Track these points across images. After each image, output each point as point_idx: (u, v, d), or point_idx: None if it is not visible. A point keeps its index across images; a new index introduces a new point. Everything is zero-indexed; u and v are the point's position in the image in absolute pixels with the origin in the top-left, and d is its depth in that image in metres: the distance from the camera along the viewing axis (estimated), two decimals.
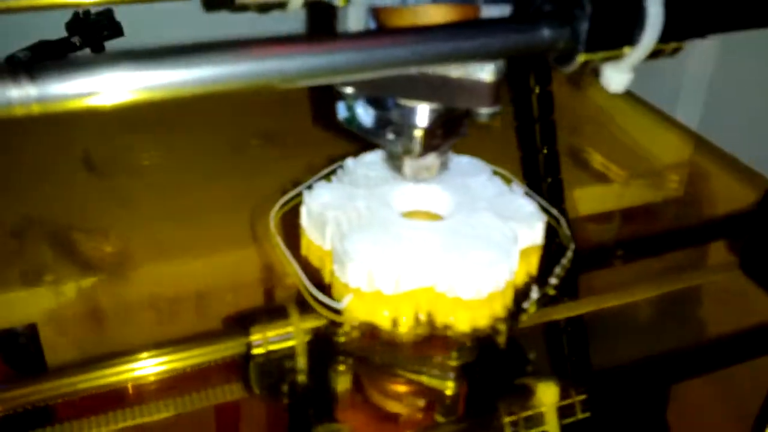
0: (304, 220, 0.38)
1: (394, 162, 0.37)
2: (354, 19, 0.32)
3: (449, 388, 0.35)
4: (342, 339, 0.36)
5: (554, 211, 0.39)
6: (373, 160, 0.40)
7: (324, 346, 0.37)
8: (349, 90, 0.34)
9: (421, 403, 0.36)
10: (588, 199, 0.63)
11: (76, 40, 0.55)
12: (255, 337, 0.36)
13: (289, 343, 0.37)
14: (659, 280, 0.55)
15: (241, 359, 0.36)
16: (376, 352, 0.37)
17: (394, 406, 0.36)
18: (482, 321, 0.35)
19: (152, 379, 0.36)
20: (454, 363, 0.36)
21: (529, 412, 0.35)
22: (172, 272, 0.43)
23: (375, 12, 0.32)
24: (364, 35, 0.29)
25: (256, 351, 0.36)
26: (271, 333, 0.37)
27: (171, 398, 0.36)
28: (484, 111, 0.33)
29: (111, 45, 0.55)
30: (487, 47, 0.28)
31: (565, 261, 0.38)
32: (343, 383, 0.37)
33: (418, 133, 0.34)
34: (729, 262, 0.57)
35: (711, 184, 0.64)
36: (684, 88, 0.69)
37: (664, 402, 0.61)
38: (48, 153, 0.52)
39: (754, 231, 0.58)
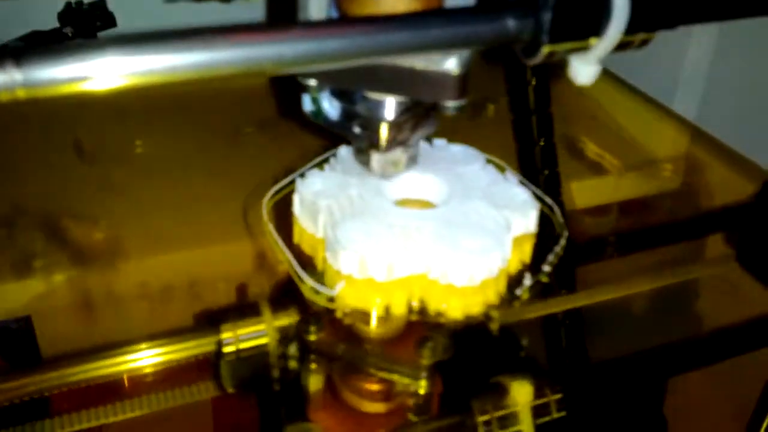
0: (297, 208, 0.37)
1: (362, 157, 0.36)
2: (315, 8, 0.32)
3: (422, 387, 0.35)
4: (314, 338, 0.36)
5: (548, 200, 0.38)
6: None
7: (296, 344, 0.37)
8: (312, 82, 0.33)
9: (393, 402, 0.36)
10: (585, 192, 0.63)
11: (68, 30, 0.54)
12: (226, 335, 0.35)
13: (261, 341, 0.36)
14: (656, 273, 0.55)
15: (213, 357, 0.36)
16: (349, 351, 0.36)
17: (366, 406, 0.35)
18: (475, 308, 0.34)
19: (127, 375, 0.36)
20: (426, 362, 0.35)
21: (503, 412, 0.34)
22: (164, 261, 0.42)
23: (337, 0, 0.32)
24: (322, 24, 0.28)
25: (227, 349, 0.35)
26: (243, 331, 0.36)
27: (142, 396, 0.36)
28: (450, 104, 0.32)
29: (104, 36, 0.55)
30: (450, 37, 0.27)
31: (558, 249, 0.37)
32: (315, 382, 0.36)
33: (384, 127, 0.33)
34: (726, 254, 0.57)
35: (708, 176, 0.64)
36: (682, 78, 0.69)
37: (661, 396, 0.61)
38: (38, 140, 0.52)
39: (751, 224, 0.58)
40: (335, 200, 0.36)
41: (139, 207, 0.46)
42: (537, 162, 0.63)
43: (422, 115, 0.35)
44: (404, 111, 0.33)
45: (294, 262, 0.36)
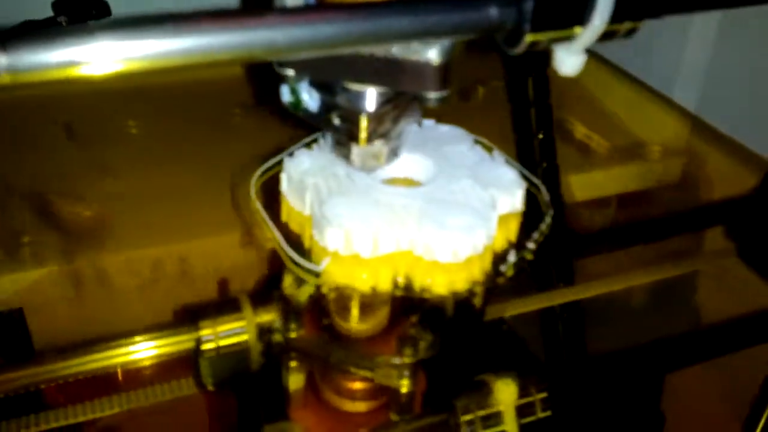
0: (284, 186, 0.38)
1: (342, 149, 0.35)
2: None
3: (403, 386, 0.35)
4: (294, 335, 0.35)
5: (535, 180, 0.38)
6: None
7: (277, 341, 0.36)
8: (290, 72, 0.32)
9: (375, 401, 0.35)
10: (584, 185, 0.62)
11: (62, 19, 0.55)
12: (205, 331, 0.35)
13: (241, 338, 0.36)
14: (656, 266, 0.55)
15: (192, 354, 0.35)
16: (330, 349, 0.36)
17: (348, 405, 0.35)
18: (460, 284, 0.34)
19: (108, 371, 0.35)
20: (408, 360, 0.35)
21: (487, 411, 0.34)
22: (154, 244, 0.43)
23: None
24: (297, 11, 0.27)
25: (206, 346, 0.35)
26: (222, 327, 0.36)
27: (122, 393, 0.36)
28: (432, 95, 0.31)
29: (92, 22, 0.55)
30: (430, 26, 0.26)
31: (543, 227, 0.37)
32: (295, 380, 0.36)
33: (364, 119, 0.32)
34: (727, 248, 0.56)
35: (709, 167, 0.64)
36: (682, 68, 0.68)
37: (658, 391, 0.60)
38: (28, 120, 0.53)
39: (752, 217, 0.57)
40: (322, 178, 0.37)
41: (128, 187, 0.46)
42: (536, 154, 0.63)
43: (404, 106, 0.34)
44: (385, 102, 0.32)
45: (281, 239, 0.36)
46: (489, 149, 0.40)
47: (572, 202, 0.63)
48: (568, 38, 0.28)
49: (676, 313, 0.63)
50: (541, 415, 0.35)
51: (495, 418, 0.34)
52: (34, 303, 0.40)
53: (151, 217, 0.43)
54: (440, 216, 0.34)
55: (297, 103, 0.33)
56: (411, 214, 0.35)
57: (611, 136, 0.64)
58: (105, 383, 0.38)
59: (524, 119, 0.63)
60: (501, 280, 0.35)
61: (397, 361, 0.34)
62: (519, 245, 0.37)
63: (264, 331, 0.36)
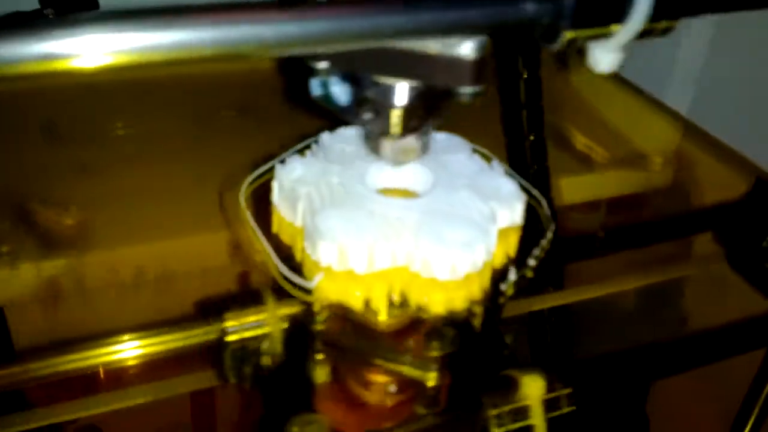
0: (276, 195, 0.36)
1: (372, 143, 0.35)
2: None
3: (431, 379, 0.34)
4: (319, 327, 0.35)
5: (535, 192, 0.37)
6: (350, 134, 0.39)
7: (301, 333, 0.36)
8: (322, 65, 0.32)
9: (401, 394, 0.35)
10: (573, 188, 0.62)
11: (49, 12, 0.53)
12: (229, 323, 0.34)
13: (265, 330, 0.36)
14: (644, 271, 0.54)
15: (215, 346, 0.35)
16: (356, 342, 0.35)
17: (373, 397, 0.35)
18: (458, 303, 0.33)
19: (127, 363, 0.35)
20: (435, 353, 0.34)
21: (514, 405, 0.34)
22: (135, 250, 0.41)
23: None
24: (335, 4, 0.27)
25: (230, 338, 0.34)
26: (246, 319, 0.35)
27: (144, 384, 0.35)
28: (466, 90, 0.31)
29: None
30: (466, 21, 0.27)
31: (544, 242, 0.36)
32: (320, 373, 0.36)
33: (396, 113, 0.32)
34: (715, 253, 0.56)
35: (700, 172, 0.63)
36: (675, 71, 0.68)
37: (644, 394, 0.60)
38: (8, 120, 0.50)
39: (741, 223, 0.57)
40: (315, 188, 0.35)
41: (111, 191, 0.44)
42: (527, 157, 0.62)
43: (435, 100, 0.33)
44: (417, 97, 0.32)
45: (272, 253, 0.34)
46: (488, 159, 0.39)
47: (561, 205, 0.62)
48: (605, 36, 0.28)
49: (663, 319, 0.63)
50: (565, 410, 0.35)
51: (522, 413, 0.34)
52: (13, 306, 0.38)
53: (135, 222, 0.41)
54: (438, 229, 0.33)
55: (327, 96, 0.33)
56: (408, 227, 0.33)
57: (608, 143, 0.63)
58: (91, 382, 0.37)
59: (515, 121, 0.62)
60: (501, 300, 0.34)
61: (424, 354, 0.34)
62: (518, 261, 0.36)
63: (289, 324, 0.35)
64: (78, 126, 0.50)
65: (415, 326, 0.35)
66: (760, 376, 0.49)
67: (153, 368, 0.36)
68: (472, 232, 0.33)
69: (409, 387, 0.35)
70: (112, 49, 0.23)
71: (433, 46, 0.30)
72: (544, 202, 0.38)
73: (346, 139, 0.38)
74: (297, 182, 0.35)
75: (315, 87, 0.33)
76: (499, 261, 0.35)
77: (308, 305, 0.35)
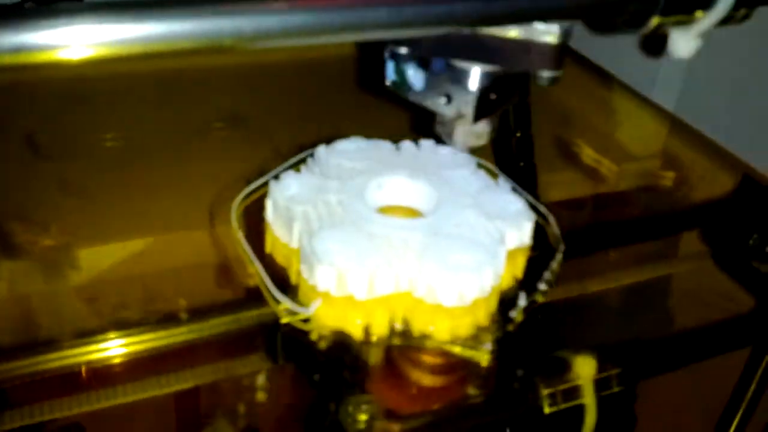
0: (270, 214, 0.34)
1: (444, 128, 0.35)
2: None
3: (485, 359, 0.33)
4: None
5: (542, 208, 0.36)
6: (347, 148, 0.37)
7: None
8: (403, 50, 0.32)
9: (453, 375, 0.34)
10: (559, 185, 0.60)
11: (30, 5, 0.51)
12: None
13: None
14: (629, 269, 0.53)
15: (262, 329, 0.34)
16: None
17: (426, 379, 0.33)
18: (464, 330, 0.32)
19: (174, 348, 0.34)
20: (489, 334, 0.33)
21: (567, 385, 0.33)
22: (119, 271, 0.38)
23: None
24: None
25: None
26: None
27: (191, 369, 0.33)
28: (546, 74, 0.31)
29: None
30: (555, 7, 0.28)
31: (554, 265, 0.35)
32: (375, 354, 0.34)
33: (471, 98, 0.32)
34: (701, 251, 0.55)
35: (687, 168, 0.62)
36: (662, 67, 0.67)
37: (631, 393, 0.60)
38: None
39: (727, 221, 0.56)
40: (312, 206, 0.33)
41: (96, 208, 0.41)
42: (513, 153, 0.61)
43: (507, 85, 0.34)
44: (492, 81, 0.33)
45: (265, 276, 0.32)
46: (493, 174, 0.37)
47: (547, 202, 0.61)
48: (688, 22, 0.30)
49: (648, 317, 0.62)
50: (616, 389, 0.35)
51: (574, 392, 0.34)
52: None
53: (120, 247, 0.39)
54: (444, 253, 0.31)
55: (402, 81, 0.33)
56: (411, 250, 0.32)
57: (590, 138, 0.62)
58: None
59: (502, 117, 0.61)
60: (510, 328, 0.32)
61: (477, 334, 0.33)
62: (527, 284, 0.34)
63: None
64: (63, 139, 0.48)
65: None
66: (746, 374, 0.49)
67: (138, 366, 0.34)
68: (480, 255, 0.31)
69: (461, 368, 0.34)
70: (93, 41, 0.23)
71: (517, 31, 0.31)
72: (552, 219, 0.36)
73: (342, 153, 0.36)
74: (292, 200, 0.33)
75: (390, 72, 0.34)
76: (506, 283, 0.33)
77: None
